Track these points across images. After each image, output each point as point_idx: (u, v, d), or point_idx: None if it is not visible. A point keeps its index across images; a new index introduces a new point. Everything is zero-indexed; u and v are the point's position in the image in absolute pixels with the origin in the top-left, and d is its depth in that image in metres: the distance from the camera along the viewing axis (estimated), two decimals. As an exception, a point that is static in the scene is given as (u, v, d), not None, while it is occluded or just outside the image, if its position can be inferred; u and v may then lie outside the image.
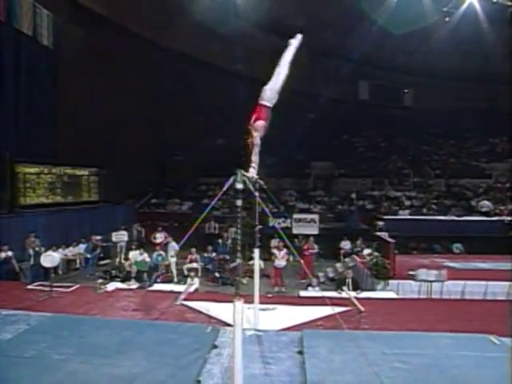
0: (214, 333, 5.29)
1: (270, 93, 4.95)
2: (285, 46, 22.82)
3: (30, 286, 7.81)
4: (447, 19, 19.26)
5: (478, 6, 19.74)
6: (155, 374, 4.16)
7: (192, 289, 8.27)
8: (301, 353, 4.81)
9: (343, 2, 19.49)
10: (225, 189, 3.34)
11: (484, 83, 24.00)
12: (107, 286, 7.83)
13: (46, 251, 9.57)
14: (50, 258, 7.08)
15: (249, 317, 6.09)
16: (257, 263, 5.69)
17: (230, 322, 5.76)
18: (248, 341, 5.26)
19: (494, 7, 19.94)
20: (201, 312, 6.45)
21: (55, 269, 11.12)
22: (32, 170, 12.32)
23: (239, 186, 3.18)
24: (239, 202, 3.12)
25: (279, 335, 5.44)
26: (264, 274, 11.60)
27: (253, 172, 4.42)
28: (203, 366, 4.46)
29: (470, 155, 20.83)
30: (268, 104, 5.13)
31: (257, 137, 4.41)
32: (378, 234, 10.82)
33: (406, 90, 27.95)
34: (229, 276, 10.63)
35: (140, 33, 17.50)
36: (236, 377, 3.21)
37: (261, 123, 4.58)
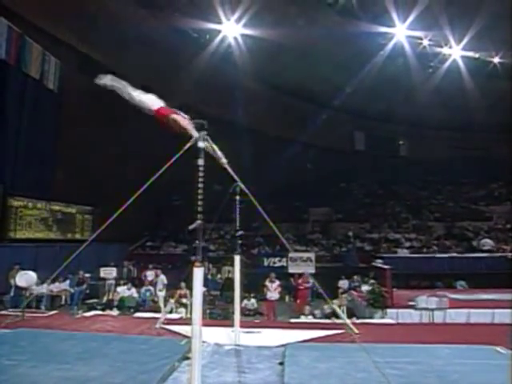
0: (188, 346, 4.78)
1: None
2: (283, 101, 23.65)
3: (3, 312, 7.36)
4: (431, 70, 20.44)
5: (460, 62, 21.02)
6: (113, 376, 3.70)
7: (177, 316, 7.78)
8: (282, 364, 4.30)
9: (337, 58, 20.70)
10: (186, 147, 3.20)
11: (475, 133, 24.66)
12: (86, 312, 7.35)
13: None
14: (26, 277, 6.73)
15: (230, 337, 5.60)
16: (237, 270, 5.33)
17: (208, 340, 5.30)
18: (225, 353, 4.78)
19: (475, 63, 21.29)
20: (179, 334, 5.94)
21: (38, 304, 10.62)
22: (25, 204, 12.26)
23: (201, 144, 3.06)
24: (201, 162, 2.98)
25: (261, 349, 4.93)
26: (257, 312, 11.00)
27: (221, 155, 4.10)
28: (170, 373, 3.99)
29: (468, 199, 20.67)
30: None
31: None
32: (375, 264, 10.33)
33: (401, 142, 28.73)
34: (220, 312, 10.03)
35: (142, 83, 18.48)
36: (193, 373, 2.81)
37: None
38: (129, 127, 16.27)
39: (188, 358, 4.56)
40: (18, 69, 12.67)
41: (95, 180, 15.24)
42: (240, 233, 5.43)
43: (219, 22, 18.15)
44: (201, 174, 2.98)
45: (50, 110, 14.02)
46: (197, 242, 2.87)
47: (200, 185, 2.95)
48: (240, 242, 5.51)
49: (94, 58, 16.06)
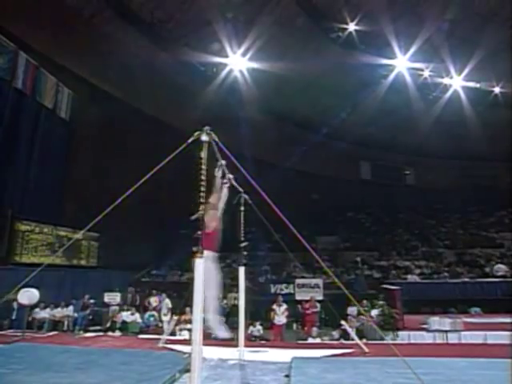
0: (190, 359, 4.58)
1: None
2: (289, 132, 23.97)
3: (2, 332, 7.21)
4: (432, 99, 20.79)
5: (461, 92, 21.41)
6: (110, 383, 3.52)
7: (181, 338, 7.54)
8: (288, 376, 4.08)
9: (340, 89, 21.16)
10: (189, 141, 3.24)
11: (481, 161, 24.67)
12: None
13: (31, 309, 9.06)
14: (28, 294, 6.61)
15: (235, 355, 5.37)
16: (242, 283, 5.21)
17: (211, 356, 5.10)
18: (229, 367, 4.58)
19: (476, 92, 21.66)
20: (181, 352, 5.72)
21: (39, 329, 10.38)
22: (32, 229, 12.30)
23: (204, 137, 3.11)
24: (203, 154, 3.02)
25: (266, 364, 4.71)
26: (263, 339, 10.61)
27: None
28: (171, 383, 3.79)
29: (477, 226, 20.30)
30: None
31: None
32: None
33: (407, 172, 28.68)
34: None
35: (152, 114, 19.03)
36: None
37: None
38: (139, 161, 16.56)
39: (190, 371, 4.39)
40: (33, 98, 13.21)
41: (102, 207, 15.30)
42: (244, 244, 5.36)
43: (226, 56, 18.91)
44: (203, 166, 3.01)
45: (61, 138, 14.44)
46: (198, 232, 2.83)
47: (202, 176, 2.97)
48: (245, 253, 5.41)
49: (104, 90, 16.71)
